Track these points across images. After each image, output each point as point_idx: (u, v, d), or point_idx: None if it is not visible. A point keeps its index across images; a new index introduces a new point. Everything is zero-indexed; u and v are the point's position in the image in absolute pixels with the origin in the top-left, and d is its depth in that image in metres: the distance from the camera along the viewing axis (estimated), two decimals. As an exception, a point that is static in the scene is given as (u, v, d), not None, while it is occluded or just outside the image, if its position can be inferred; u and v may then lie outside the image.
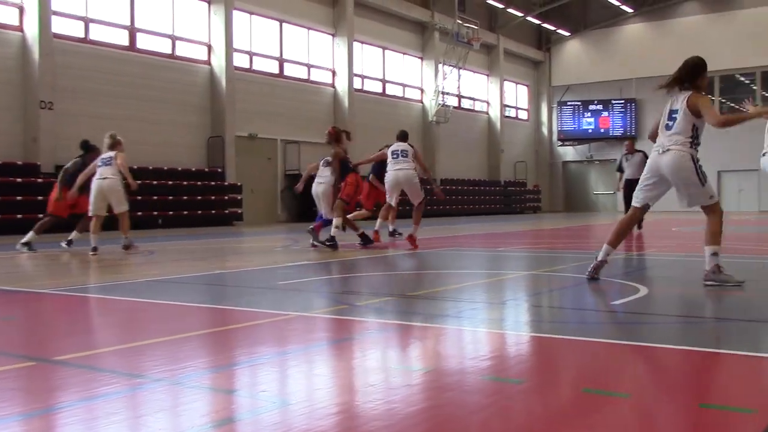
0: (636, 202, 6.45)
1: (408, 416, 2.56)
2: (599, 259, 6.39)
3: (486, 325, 4.65)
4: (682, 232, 15.60)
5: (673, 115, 6.22)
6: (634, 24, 37.62)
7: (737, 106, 36.45)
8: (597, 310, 5.39)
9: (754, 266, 8.25)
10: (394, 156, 11.32)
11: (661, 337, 4.14)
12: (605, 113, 37.80)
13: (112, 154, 10.72)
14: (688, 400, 2.83)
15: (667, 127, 6.25)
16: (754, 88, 35.15)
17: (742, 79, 35.60)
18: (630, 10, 37.12)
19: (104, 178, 10.54)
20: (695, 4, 35.83)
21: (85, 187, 10.88)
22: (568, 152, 40.19)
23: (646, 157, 14.88)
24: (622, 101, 37.49)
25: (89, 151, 11.65)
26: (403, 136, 11.83)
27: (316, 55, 26.59)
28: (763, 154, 8.16)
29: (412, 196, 11.36)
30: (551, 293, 6.31)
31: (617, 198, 38.25)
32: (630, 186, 14.74)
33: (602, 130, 37.97)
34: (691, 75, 6.20)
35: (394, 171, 11.21)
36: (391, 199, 11.63)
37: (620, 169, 15.47)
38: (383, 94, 29.91)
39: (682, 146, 6.11)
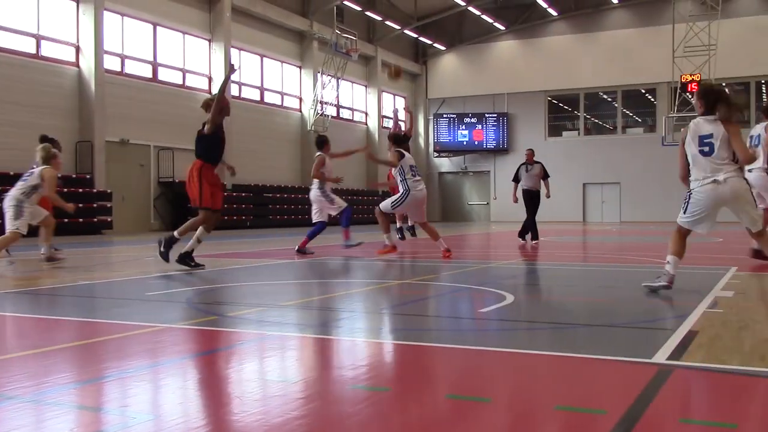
0: (688, 226, 6.34)
1: (274, 427, 2.56)
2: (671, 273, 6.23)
3: (356, 334, 4.70)
4: (568, 242, 16.28)
5: (707, 140, 6.12)
6: (507, 41, 39.07)
7: (601, 123, 38.55)
8: (464, 317, 5.56)
9: (614, 274, 8.72)
10: (413, 173, 11.00)
11: (523, 342, 4.33)
12: (479, 126, 39.00)
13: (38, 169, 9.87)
14: (545, 402, 2.98)
15: (707, 154, 6.10)
16: (616, 105, 37.24)
17: (605, 96, 37.65)
18: (502, 28, 38.52)
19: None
20: (563, 25, 37.63)
21: None
22: (444, 163, 41.17)
23: (544, 169, 15.39)
24: (495, 115, 38.80)
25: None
26: (407, 140, 11.91)
27: (192, 60, 26.06)
28: (749, 171, 8.54)
29: (421, 215, 11.50)
30: (422, 302, 6.45)
31: (490, 208, 39.71)
32: (530, 195, 15.13)
33: (476, 143, 39.15)
34: (716, 101, 6.19)
35: (419, 192, 10.99)
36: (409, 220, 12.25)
37: (516, 179, 15.25)
38: (261, 101, 29.67)
39: (737, 172, 6.12)
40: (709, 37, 29.91)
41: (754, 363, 3.60)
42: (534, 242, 14.66)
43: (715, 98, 6.22)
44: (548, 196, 15.34)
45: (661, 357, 3.65)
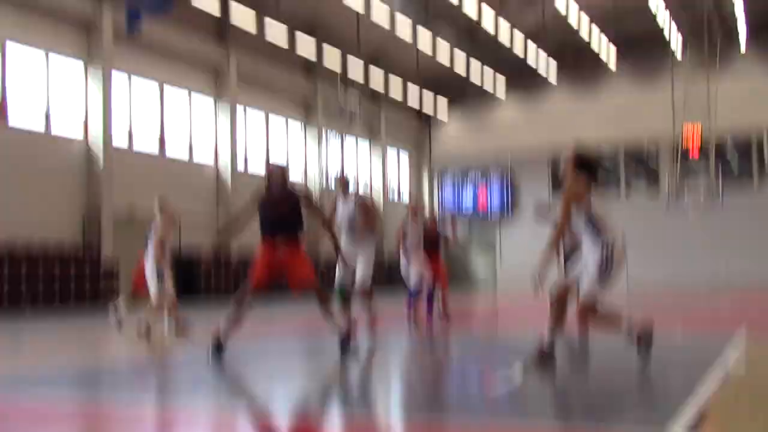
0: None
1: None
2: None
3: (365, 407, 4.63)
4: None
5: None
6: (508, 103, 39.21)
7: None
8: (472, 394, 5.48)
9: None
10: None
11: (537, 412, 4.27)
12: (483, 189, 39.23)
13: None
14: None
15: None
16: (619, 167, 37.28)
17: (607, 159, 37.80)
18: (502, 95, 38.66)
19: None
20: (563, 88, 37.85)
21: None
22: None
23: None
24: (500, 180, 39.00)
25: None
26: None
27: (199, 136, 26.50)
28: None
29: None
30: (425, 372, 6.38)
31: (495, 276, 39.38)
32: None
33: (481, 209, 39.23)
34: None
35: None
36: None
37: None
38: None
39: None
40: (708, 97, 30.26)
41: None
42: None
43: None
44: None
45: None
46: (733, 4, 30.40)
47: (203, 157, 26.63)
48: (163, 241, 9.95)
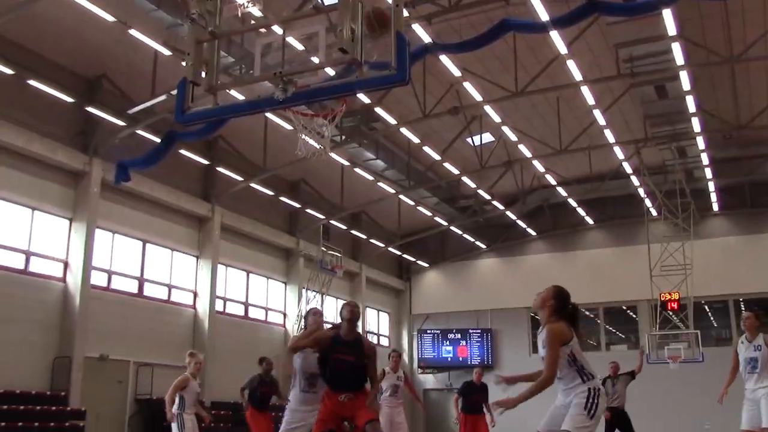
0: None
1: None
2: None
3: None
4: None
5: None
6: (488, 259, 40.04)
7: (586, 339, 38.61)
8: None
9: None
10: None
11: None
12: (463, 342, 38.87)
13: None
14: None
15: None
16: (599, 321, 37.50)
17: (587, 313, 38.00)
18: (484, 246, 39.65)
19: None
20: (542, 244, 38.83)
21: None
22: (429, 380, 40.51)
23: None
24: (479, 331, 38.83)
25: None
26: None
27: (179, 275, 26.41)
28: None
29: None
30: None
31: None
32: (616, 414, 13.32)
33: (461, 359, 38.79)
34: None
35: None
36: None
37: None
38: (245, 317, 29.71)
39: None
40: (684, 257, 30.89)
41: None
42: None
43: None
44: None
45: None
46: (702, 168, 31.77)
47: (182, 298, 26.40)
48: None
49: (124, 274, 24.20)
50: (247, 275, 30.14)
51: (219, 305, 27.78)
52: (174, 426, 10.36)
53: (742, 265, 34.34)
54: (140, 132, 22.63)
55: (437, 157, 29.61)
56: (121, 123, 22.30)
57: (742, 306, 36.74)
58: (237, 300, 29.42)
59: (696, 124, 26.61)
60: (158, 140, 20.28)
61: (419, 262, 40.82)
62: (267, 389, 12.26)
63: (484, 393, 14.77)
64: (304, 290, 32.07)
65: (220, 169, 27.22)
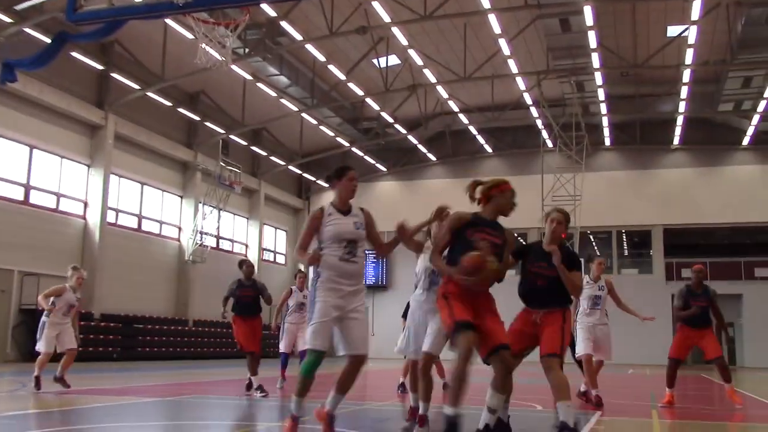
0: None
1: None
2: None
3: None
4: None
5: None
6: (388, 181, 40.42)
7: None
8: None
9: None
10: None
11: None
12: (359, 262, 39.42)
13: None
14: None
15: None
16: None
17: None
18: (383, 169, 39.94)
19: None
20: (440, 170, 39.46)
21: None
22: (323, 298, 41.02)
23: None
24: (375, 252, 39.39)
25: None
26: None
27: (68, 184, 25.43)
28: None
29: None
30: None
31: (369, 344, 39.57)
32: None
33: (355, 279, 39.41)
34: None
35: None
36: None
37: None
38: (138, 229, 29.05)
39: None
40: (575, 188, 32.09)
41: None
42: None
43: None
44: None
45: None
46: (597, 103, 32.77)
47: (71, 208, 25.53)
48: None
49: (9, 180, 23.09)
50: (142, 187, 29.34)
51: (111, 216, 27.02)
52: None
53: (627, 198, 36.08)
54: (28, 30, 21.28)
55: (342, 77, 29.29)
56: (8, 20, 20.88)
57: (624, 237, 38.79)
58: (130, 212, 28.67)
59: (596, 60, 27.31)
60: (48, 40, 19.13)
61: (319, 181, 40.79)
62: (247, 292, 11.26)
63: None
64: (200, 205, 31.55)
65: (114, 75, 26.04)
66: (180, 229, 31.40)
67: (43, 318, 10.44)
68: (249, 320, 11.37)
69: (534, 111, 33.34)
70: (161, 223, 30.41)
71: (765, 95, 29.73)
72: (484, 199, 6.11)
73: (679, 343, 10.00)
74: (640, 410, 9.59)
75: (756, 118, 32.85)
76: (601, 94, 31.35)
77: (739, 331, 34.48)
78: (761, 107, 31.24)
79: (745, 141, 35.26)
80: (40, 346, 10.39)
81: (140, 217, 29.22)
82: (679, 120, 33.96)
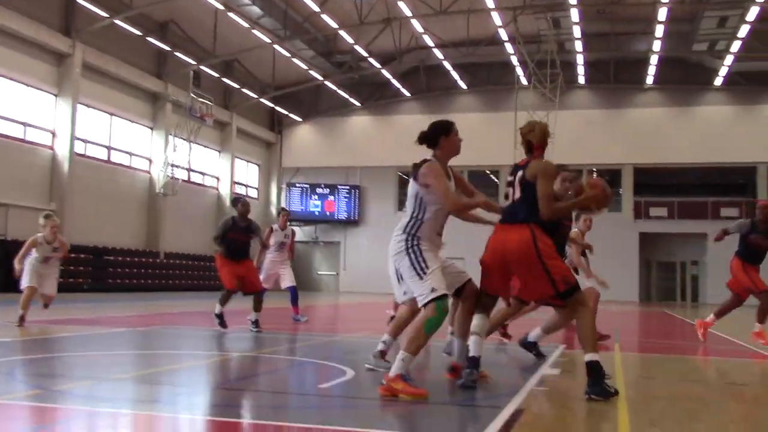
0: None
1: None
2: None
3: (192, 411, 4.59)
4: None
5: None
6: (361, 116, 40.17)
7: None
8: (304, 393, 5.55)
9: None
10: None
11: (353, 419, 4.37)
12: (331, 197, 39.49)
13: None
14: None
15: None
16: (462, 184, 38.86)
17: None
18: (357, 103, 39.62)
19: None
20: (414, 105, 39.22)
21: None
22: (295, 232, 41.12)
23: None
24: (348, 187, 39.47)
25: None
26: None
27: (35, 114, 24.92)
28: None
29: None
30: (263, 376, 6.38)
31: (339, 279, 39.97)
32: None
33: (328, 213, 39.54)
34: None
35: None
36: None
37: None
38: (108, 161, 28.68)
39: None
40: (548, 126, 32.10)
41: (571, 441, 3.83)
42: None
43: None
44: None
45: (487, 436, 3.82)
46: (573, 41, 32.56)
47: (39, 138, 25.10)
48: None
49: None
50: (111, 118, 28.84)
51: (79, 147, 26.61)
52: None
53: (599, 137, 36.26)
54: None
55: (316, 9, 28.74)
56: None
57: (595, 175, 39.00)
58: (99, 143, 28.25)
59: (573, -4, 27.04)
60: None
61: (292, 115, 40.41)
62: (239, 236, 10.17)
63: None
64: (171, 137, 31.16)
65: (81, 2, 25.29)
66: (150, 161, 31.06)
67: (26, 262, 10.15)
68: (237, 262, 10.27)
69: (509, 47, 33.06)
70: (131, 154, 30.03)
71: (739, 36, 29.73)
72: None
73: (743, 277, 9.82)
74: (603, 343, 9.84)
75: (730, 59, 32.93)
76: (576, 32, 31.12)
77: (703, 268, 35.29)
78: (735, 48, 31.30)
79: (718, 82, 35.41)
80: (24, 282, 10.12)
81: (109, 149, 28.82)
82: (654, 59, 33.92)
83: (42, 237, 10.24)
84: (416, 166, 5.70)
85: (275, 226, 12.97)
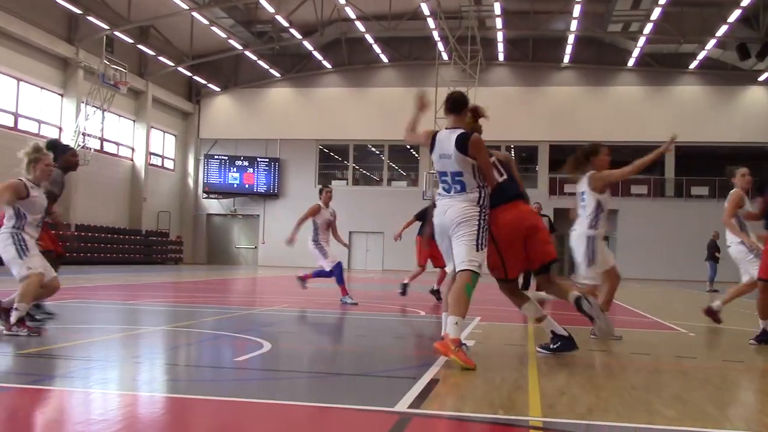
0: None
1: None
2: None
3: (105, 385, 4.49)
4: (330, 289, 16.54)
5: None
6: (281, 88, 39.67)
7: (369, 174, 40.23)
8: (220, 366, 5.50)
9: (370, 322, 9.06)
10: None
11: (268, 392, 4.37)
12: (250, 170, 38.98)
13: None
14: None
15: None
16: (383, 158, 39.01)
17: (373, 149, 39.34)
18: (277, 75, 39.09)
19: None
20: (335, 78, 38.97)
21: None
22: (213, 205, 40.54)
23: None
24: (267, 159, 39.01)
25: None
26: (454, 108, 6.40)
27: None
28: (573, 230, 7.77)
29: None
30: (177, 350, 6.29)
31: (258, 252, 39.60)
32: None
33: (247, 186, 39.04)
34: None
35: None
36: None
37: None
38: (15, 128, 27.48)
39: None
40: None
41: (483, 410, 3.93)
42: None
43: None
44: None
45: (402, 405, 3.87)
46: (493, 18, 32.91)
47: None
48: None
49: None
50: (18, 83, 27.61)
51: (-16, 114, 25.41)
52: None
53: (517, 114, 36.86)
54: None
55: (236, -24, 28.11)
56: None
57: (513, 152, 39.73)
58: (5, 110, 27.02)
59: (493, -27, 27.25)
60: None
61: (210, 85, 39.57)
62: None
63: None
64: (83, 105, 30.07)
65: (-15, -41, 24.04)
66: (61, 129, 29.92)
67: None
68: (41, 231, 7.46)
69: (431, 22, 33.15)
70: (40, 122, 28.86)
71: (652, 18, 30.65)
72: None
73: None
74: (517, 316, 10.09)
75: (642, 40, 33.94)
76: (497, 9, 31.45)
77: (614, 243, 36.50)
78: (648, 30, 32.26)
79: (631, 62, 36.48)
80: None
81: (17, 115, 27.62)
82: (570, 38, 34.64)
83: None
84: (463, 137, 6.07)
85: (321, 204, 11.75)
